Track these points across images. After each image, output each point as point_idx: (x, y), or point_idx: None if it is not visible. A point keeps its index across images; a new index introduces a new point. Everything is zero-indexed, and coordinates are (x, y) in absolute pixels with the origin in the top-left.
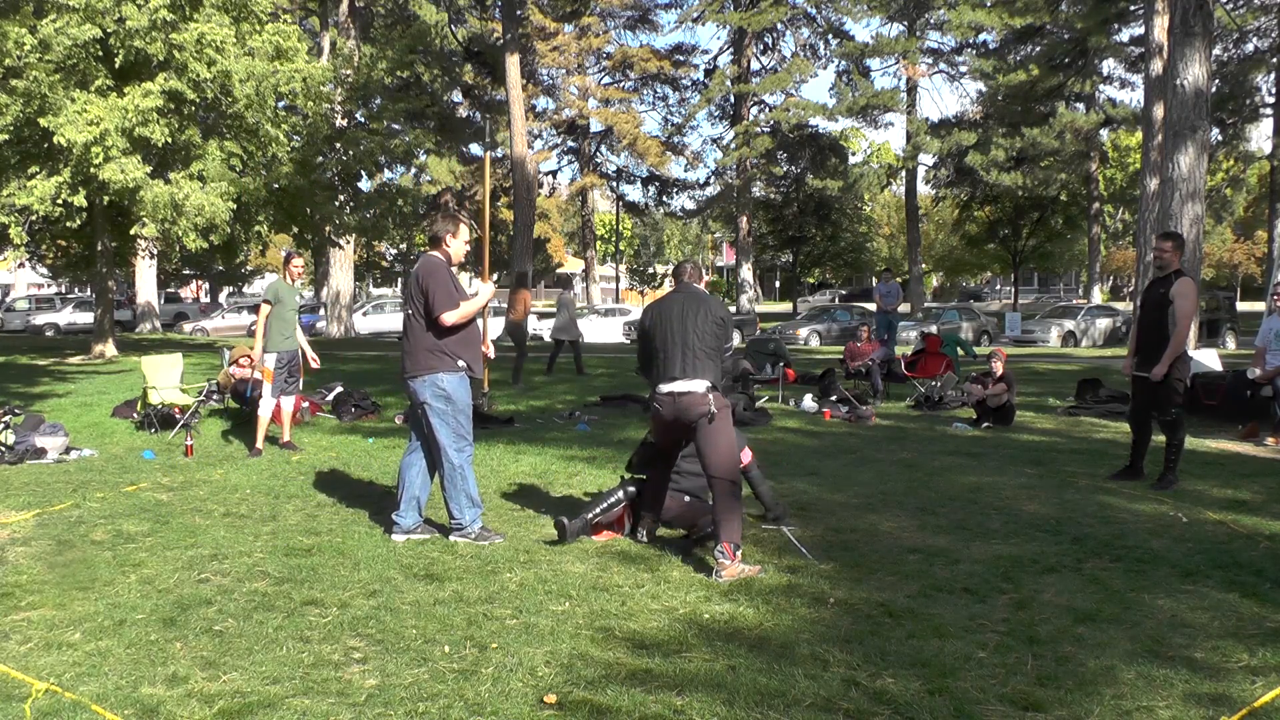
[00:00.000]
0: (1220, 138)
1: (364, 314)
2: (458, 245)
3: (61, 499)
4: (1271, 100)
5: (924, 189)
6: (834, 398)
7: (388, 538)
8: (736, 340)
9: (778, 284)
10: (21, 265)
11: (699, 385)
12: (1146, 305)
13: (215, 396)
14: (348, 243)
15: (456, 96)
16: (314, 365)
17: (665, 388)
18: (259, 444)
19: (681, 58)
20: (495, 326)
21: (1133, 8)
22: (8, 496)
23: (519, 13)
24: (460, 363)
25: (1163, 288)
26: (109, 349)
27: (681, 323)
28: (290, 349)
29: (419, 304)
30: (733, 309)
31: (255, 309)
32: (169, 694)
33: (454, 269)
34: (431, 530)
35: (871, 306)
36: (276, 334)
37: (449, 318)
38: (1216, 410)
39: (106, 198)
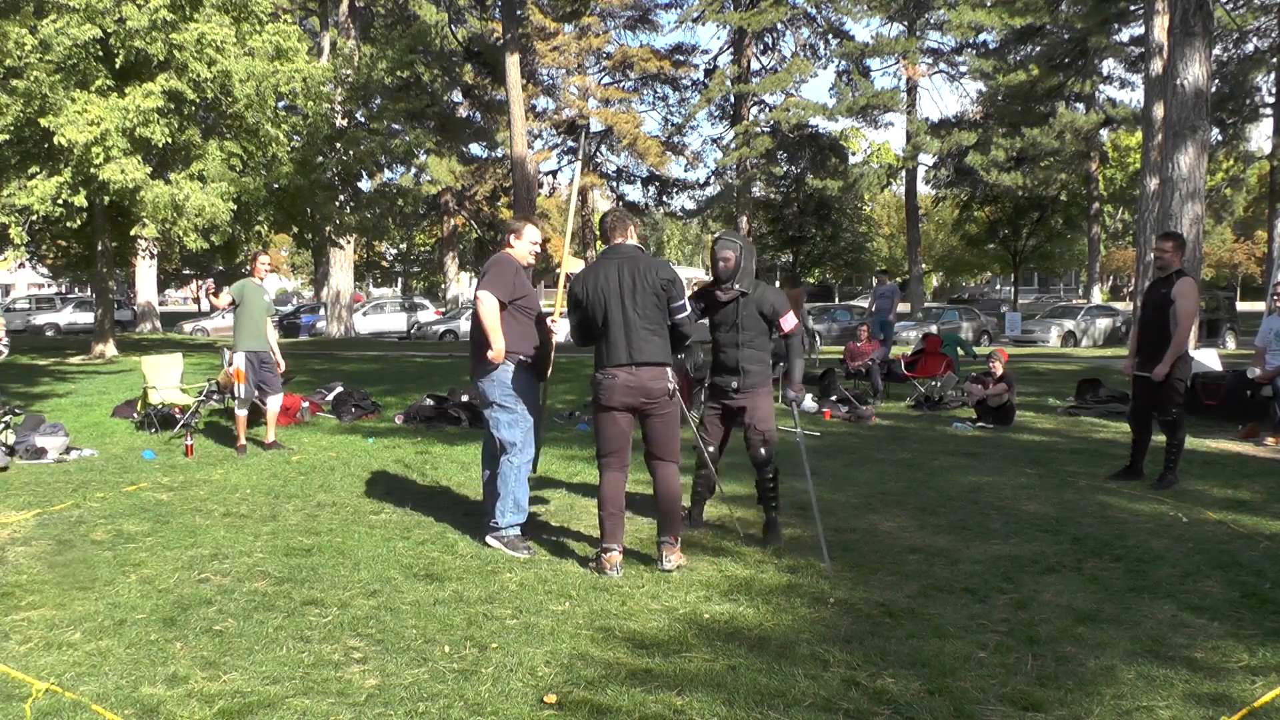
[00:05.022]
0: (1220, 138)
1: (364, 314)
2: (522, 245)
3: (61, 499)
4: (1271, 100)
5: (924, 189)
6: (834, 398)
7: (387, 540)
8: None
9: (777, 284)
10: (22, 265)
11: (653, 364)
12: (1147, 305)
13: (215, 396)
14: (348, 243)
15: (456, 96)
16: (280, 368)
17: (613, 370)
18: (241, 441)
19: (681, 58)
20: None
21: (1133, 8)
22: (8, 496)
23: (519, 13)
24: (520, 357)
25: (1164, 288)
26: (109, 349)
27: (619, 298)
28: (260, 348)
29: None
30: None
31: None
32: (169, 694)
33: (525, 269)
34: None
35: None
36: (245, 334)
37: (483, 295)
38: (1216, 410)
39: (107, 198)
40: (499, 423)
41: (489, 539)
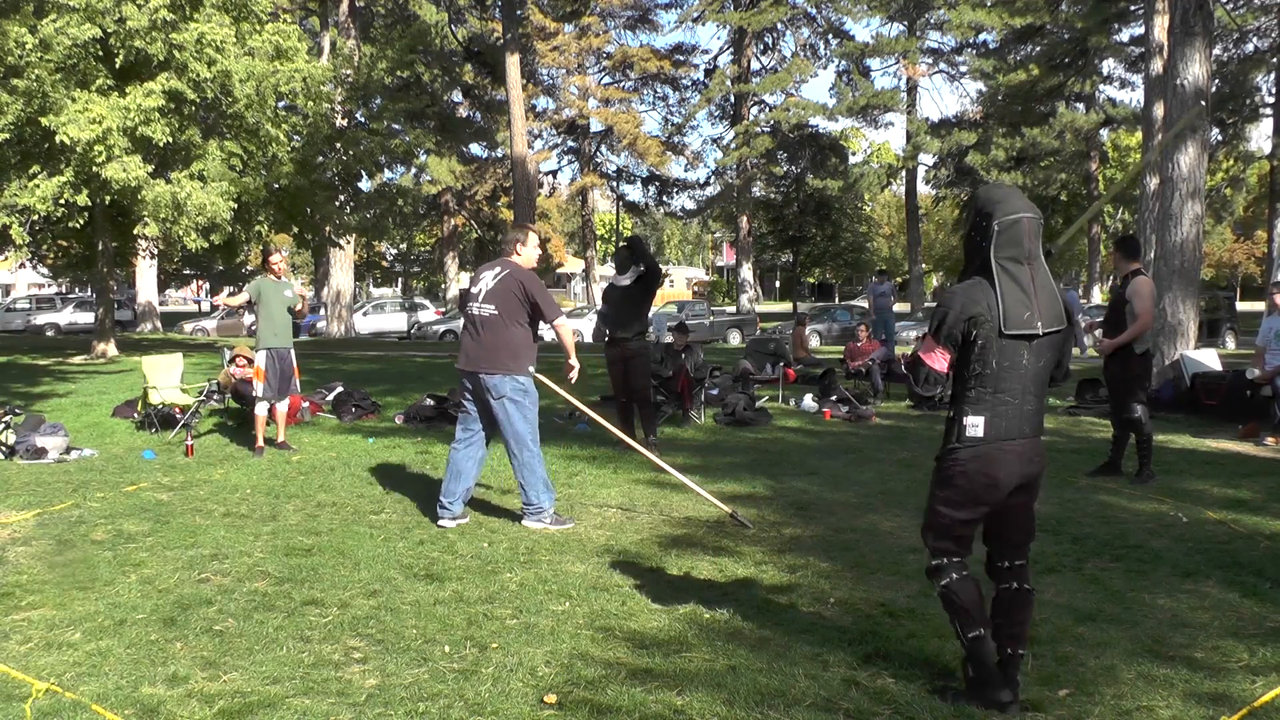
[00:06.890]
0: (1220, 138)
1: (364, 314)
2: (528, 252)
3: (61, 499)
4: (1271, 100)
5: (924, 189)
6: (834, 398)
7: (387, 540)
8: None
9: (778, 284)
10: (23, 265)
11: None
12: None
13: (216, 396)
14: (348, 243)
15: (456, 96)
16: (305, 301)
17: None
18: (259, 443)
19: (681, 58)
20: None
21: (1133, 8)
22: (8, 496)
23: (519, 13)
24: (531, 368)
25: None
26: (110, 349)
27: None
28: (281, 345)
29: (517, 307)
30: (732, 309)
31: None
32: (169, 694)
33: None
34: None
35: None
36: (266, 332)
37: (564, 322)
38: (1216, 410)
39: (108, 197)
40: (513, 416)
41: (528, 522)
